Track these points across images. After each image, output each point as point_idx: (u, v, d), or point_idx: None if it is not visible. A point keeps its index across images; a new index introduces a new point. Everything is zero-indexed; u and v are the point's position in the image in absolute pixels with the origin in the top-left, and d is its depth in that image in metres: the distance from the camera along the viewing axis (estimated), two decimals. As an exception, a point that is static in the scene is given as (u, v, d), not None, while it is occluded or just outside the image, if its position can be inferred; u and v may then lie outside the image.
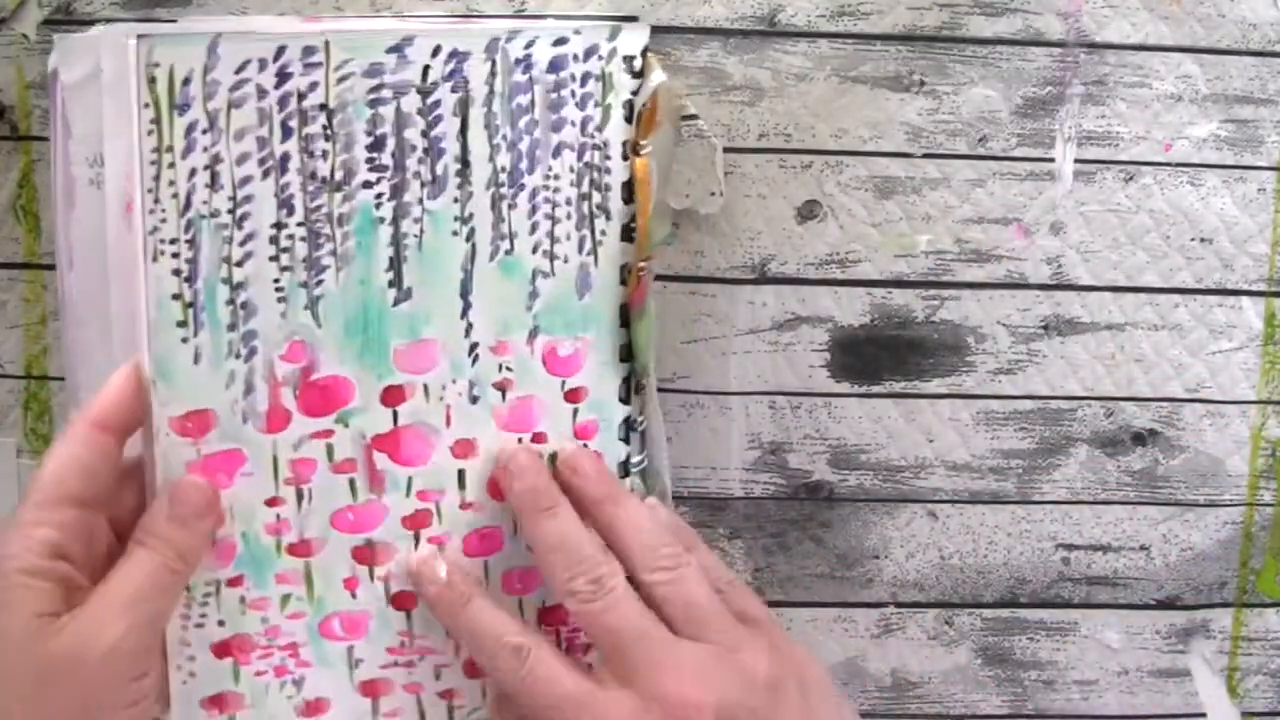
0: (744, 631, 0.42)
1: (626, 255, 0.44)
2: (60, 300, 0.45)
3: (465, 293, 0.43)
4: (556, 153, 0.43)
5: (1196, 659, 0.55)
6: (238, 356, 0.41)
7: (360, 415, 0.43)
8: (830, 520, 0.53)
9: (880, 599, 0.54)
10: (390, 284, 0.42)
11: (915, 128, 0.51)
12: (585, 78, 0.42)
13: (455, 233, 0.42)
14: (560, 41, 0.42)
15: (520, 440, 0.44)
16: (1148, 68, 0.51)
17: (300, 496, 0.43)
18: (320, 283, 0.42)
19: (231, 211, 0.41)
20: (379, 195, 0.42)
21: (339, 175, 0.41)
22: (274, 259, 0.41)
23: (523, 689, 0.40)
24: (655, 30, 0.49)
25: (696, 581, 0.42)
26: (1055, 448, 0.53)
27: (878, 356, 0.52)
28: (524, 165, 0.42)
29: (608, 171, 0.43)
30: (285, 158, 0.41)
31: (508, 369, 0.43)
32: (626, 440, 0.45)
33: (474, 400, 0.43)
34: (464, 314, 0.43)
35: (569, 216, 0.43)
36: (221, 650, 0.43)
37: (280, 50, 0.40)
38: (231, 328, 0.41)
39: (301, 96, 0.41)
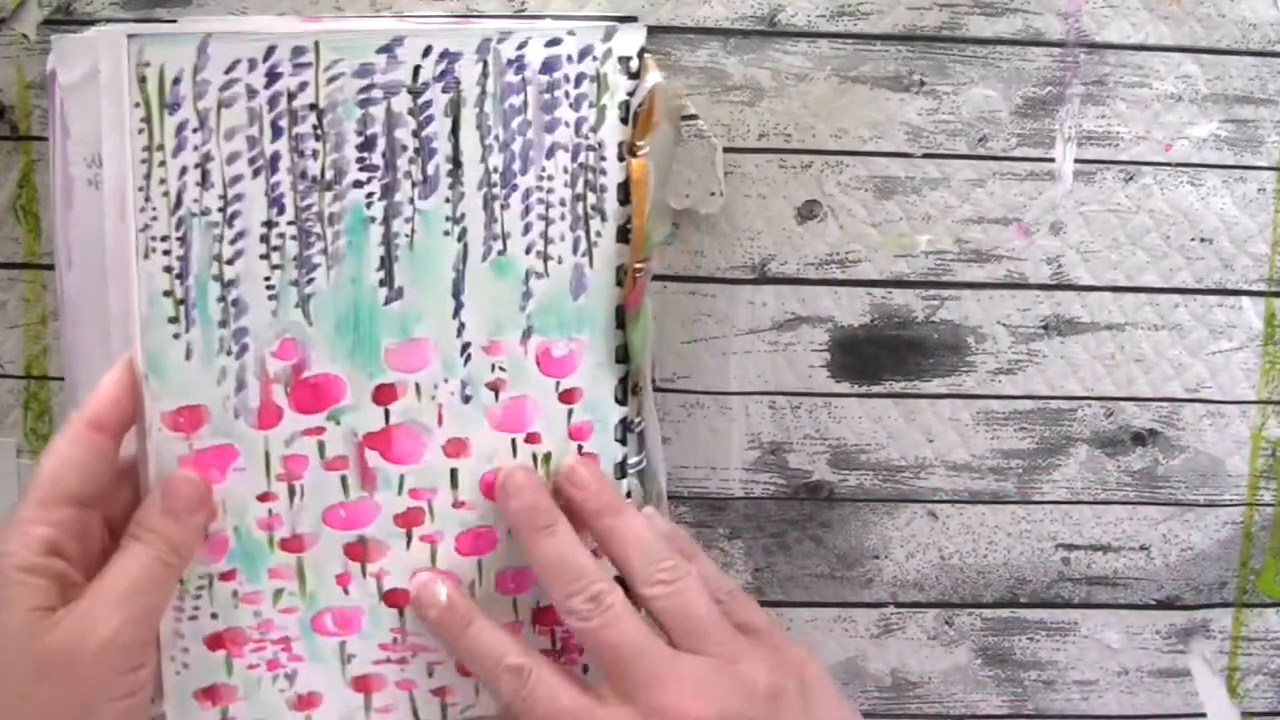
0: (744, 642, 0.42)
1: (622, 256, 0.43)
2: (59, 300, 0.45)
3: (457, 292, 0.43)
4: (550, 153, 0.42)
5: (1196, 659, 0.55)
6: (229, 353, 0.42)
7: (352, 413, 0.43)
8: (830, 520, 0.53)
9: (880, 599, 0.54)
10: (381, 283, 0.42)
11: (915, 128, 0.50)
12: (579, 78, 0.42)
13: (447, 233, 0.42)
14: (554, 42, 0.42)
15: (514, 440, 0.44)
16: (1148, 68, 0.51)
17: (292, 492, 0.43)
18: (311, 281, 0.42)
19: (222, 210, 0.41)
20: (370, 195, 0.42)
21: (329, 175, 0.41)
22: (265, 257, 0.41)
23: (524, 709, 0.40)
24: (655, 30, 0.48)
25: (696, 593, 0.42)
26: (1055, 448, 0.53)
27: (878, 356, 0.52)
28: (517, 166, 0.42)
29: (603, 173, 0.43)
30: (275, 157, 0.41)
31: (501, 369, 0.43)
32: (623, 441, 0.45)
33: (466, 400, 0.43)
34: (456, 314, 0.43)
35: (563, 217, 0.43)
36: (214, 642, 0.43)
37: (270, 50, 0.40)
38: (223, 324, 0.41)
39: (291, 96, 0.41)
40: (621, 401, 0.44)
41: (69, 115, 0.42)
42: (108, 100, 0.40)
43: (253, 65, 0.40)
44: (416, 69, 0.41)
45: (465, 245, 0.42)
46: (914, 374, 0.52)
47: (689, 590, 0.41)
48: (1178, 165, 0.51)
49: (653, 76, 0.42)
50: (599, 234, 0.43)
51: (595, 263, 0.43)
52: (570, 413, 0.44)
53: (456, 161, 0.42)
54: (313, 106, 0.41)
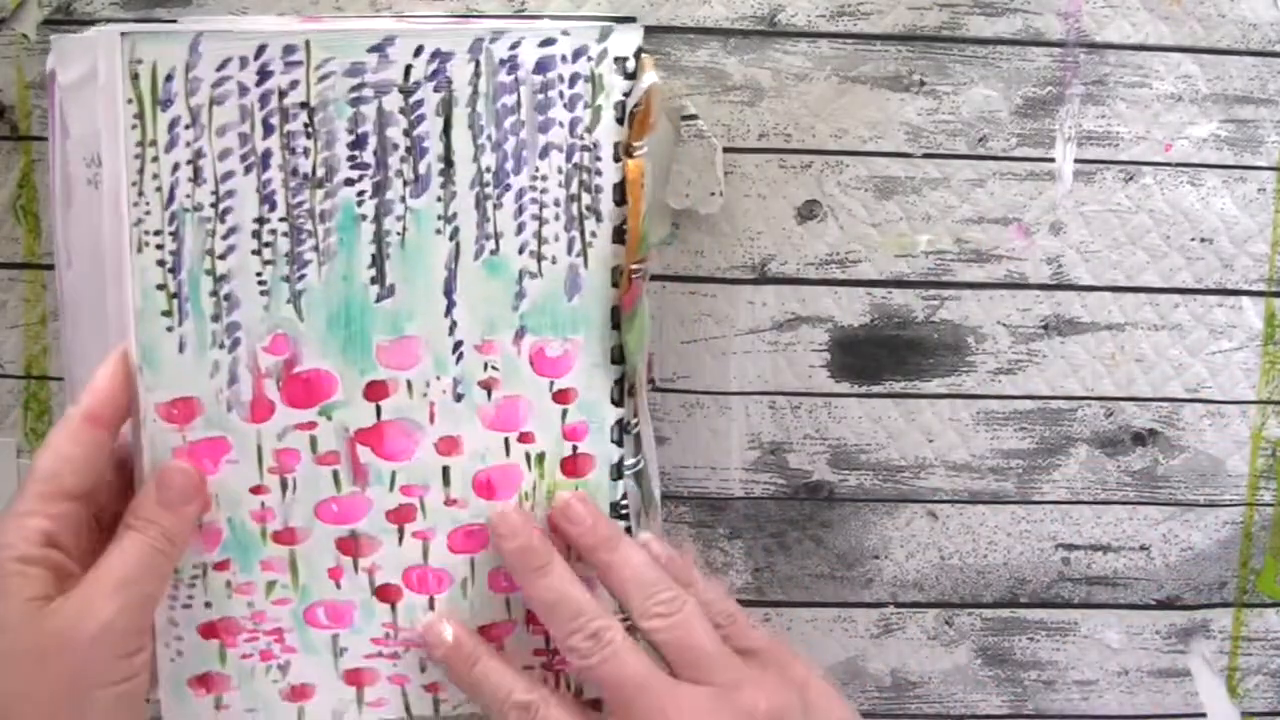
0: (746, 668, 0.42)
1: (618, 257, 0.43)
2: (59, 299, 0.45)
3: (449, 291, 0.42)
4: (544, 154, 0.42)
5: (1196, 659, 0.54)
6: (221, 347, 0.42)
7: (343, 408, 0.43)
8: (830, 520, 0.52)
9: (880, 599, 0.53)
10: (373, 280, 0.42)
11: (915, 128, 0.50)
12: (574, 79, 0.42)
13: (439, 231, 0.42)
14: (548, 42, 0.42)
15: (507, 440, 0.43)
16: (1148, 68, 0.50)
17: (284, 486, 0.43)
18: (303, 277, 0.42)
19: (214, 205, 0.41)
20: (361, 193, 0.42)
21: (321, 172, 0.41)
22: (256, 253, 0.41)
23: None
24: (655, 30, 0.48)
25: (695, 624, 0.42)
26: (1055, 448, 0.52)
27: (878, 356, 0.51)
28: (510, 166, 0.42)
29: (598, 173, 0.43)
30: (267, 154, 0.41)
31: (493, 368, 0.43)
32: (619, 443, 0.44)
33: (458, 398, 0.43)
34: (448, 312, 0.43)
35: (557, 218, 0.43)
36: (208, 631, 0.43)
37: (261, 49, 0.40)
38: (215, 318, 0.42)
39: (282, 94, 0.41)
40: (617, 403, 0.44)
41: (68, 115, 0.42)
42: (105, 99, 0.40)
43: (244, 63, 0.40)
44: (408, 68, 0.41)
45: (457, 244, 0.42)
46: (914, 374, 0.52)
47: (688, 621, 0.42)
48: (1178, 165, 0.51)
49: (649, 77, 0.42)
50: (594, 234, 0.43)
51: (590, 263, 0.43)
52: (565, 413, 0.44)
53: (448, 160, 0.42)
54: (304, 104, 0.41)
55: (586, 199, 0.43)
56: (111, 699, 0.38)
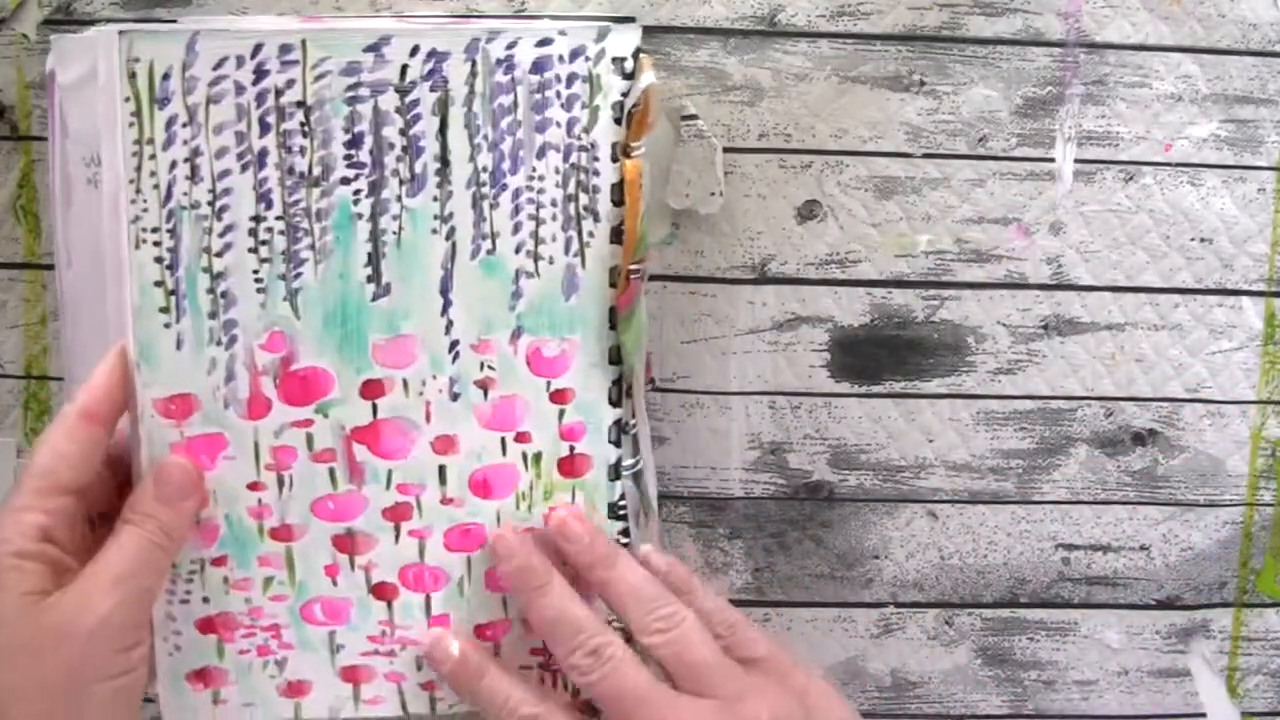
0: (747, 679, 0.42)
1: (616, 257, 0.43)
2: (59, 299, 0.45)
3: (445, 290, 0.42)
4: (541, 153, 0.42)
5: (1196, 659, 0.54)
6: (218, 344, 0.42)
7: (339, 406, 0.43)
8: (830, 520, 0.52)
9: (880, 599, 0.53)
10: (369, 279, 0.42)
11: (915, 128, 0.50)
12: (571, 79, 0.42)
13: (435, 230, 0.42)
14: (545, 42, 0.42)
15: (503, 439, 0.43)
16: (1148, 68, 0.50)
17: (281, 483, 0.43)
18: (299, 275, 0.42)
19: (211, 203, 0.41)
20: (357, 191, 0.42)
21: (317, 171, 0.41)
22: (253, 250, 0.42)
23: None
24: (655, 30, 0.48)
25: (694, 636, 0.42)
26: (1055, 448, 0.52)
27: (878, 356, 0.51)
28: (506, 165, 0.42)
29: (596, 173, 0.42)
30: (263, 153, 0.41)
31: (490, 368, 0.43)
32: (617, 444, 0.44)
33: (455, 397, 0.43)
34: (444, 311, 0.43)
35: (554, 218, 0.42)
36: (206, 626, 0.44)
37: (257, 48, 0.41)
38: (212, 315, 0.42)
39: (279, 93, 0.41)
40: (615, 403, 0.44)
41: (68, 115, 0.42)
42: (104, 97, 0.41)
43: (240, 62, 0.41)
44: (404, 68, 0.41)
45: (453, 244, 0.42)
46: (914, 374, 0.51)
47: (687, 635, 0.42)
48: (1178, 165, 0.51)
49: (647, 77, 0.42)
50: (592, 234, 0.43)
51: (588, 263, 0.43)
52: (562, 413, 0.44)
53: (444, 160, 0.42)
54: (300, 103, 0.41)
55: (584, 199, 0.42)
56: (109, 693, 0.38)
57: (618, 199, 0.42)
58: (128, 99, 0.40)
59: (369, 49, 0.41)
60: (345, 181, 0.41)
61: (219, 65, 0.40)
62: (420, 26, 0.42)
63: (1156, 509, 0.53)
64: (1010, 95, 0.50)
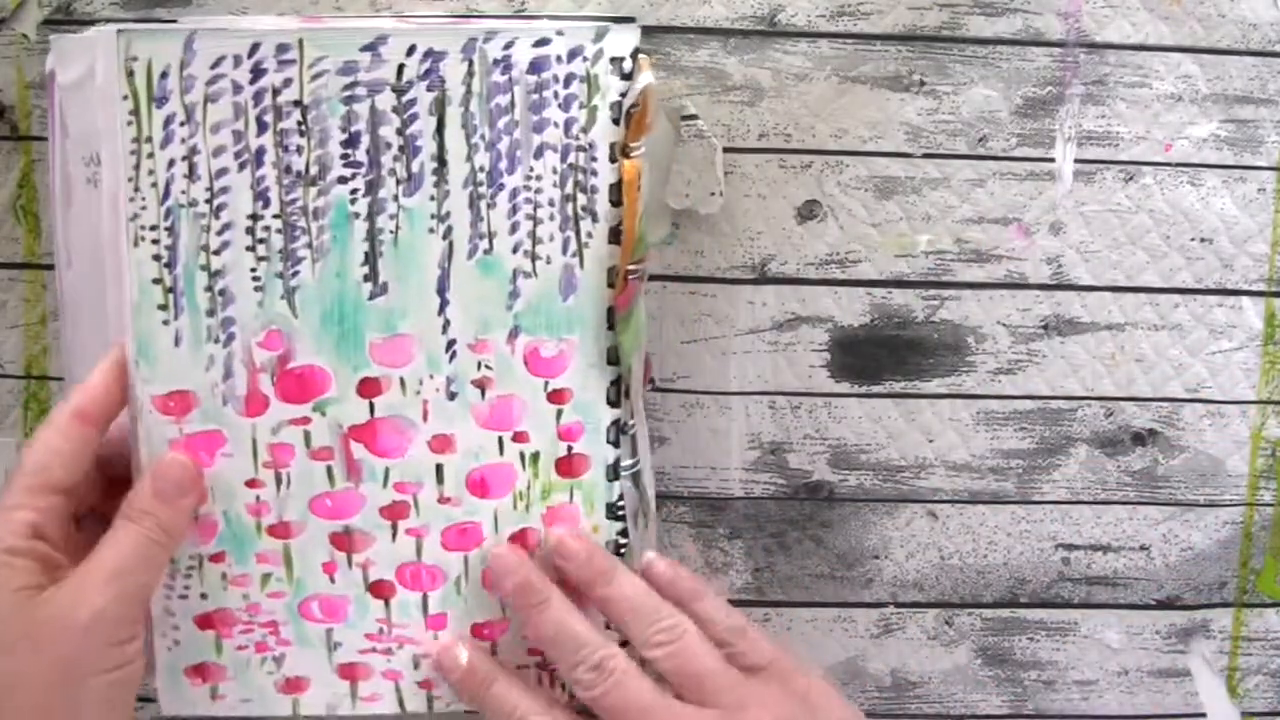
0: (749, 687, 0.42)
1: (614, 258, 0.43)
2: (59, 299, 0.45)
3: (442, 290, 0.42)
4: (538, 154, 0.42)
5: (1196, 659, 0.54)
6: (216, 341, 0.42)
7: (337, 405, 0.43)
8: (830, 520, 0.52)
9: (880, 599, 0.53)
10: (366, 278, 0.42)
11: (915, 128, 0.50)
12: (569, 79, 0.42)
13: (432, 230, 0.42)
14: (542, 42, 0.41)
15: (501, 439, 0.43)
16: (1148, 68, 0.50)
17: (279, 480, 0.43)
18: (296, 274, 0.42)
19: (209, 201, 0.41)
20: (354, 191, 0.42)
21: (314, 170, 0.41)
22: (250, 249, 0.42)
23: None
24: (655, 30, 0.48)
25: (696, 647, 0.42)
26: (1055, 448, 0.52)
27: (878, 356, 0.51)
28: (503, 165, 0.42)
29: (594, 174, 0.42)
30: (260, 151, 0.41)
31: (487, 367, 0.43)
32: (615, 444, 0.44)
33: (452, 396, 0.43)
34: (441, 310, 0.42)
35: (552, 218, 0.42)
36: (204, 622, 0.44)
37: (254, 47, 0.40)
38: (210, 313, 0.42)
39: (276, 92, 0.41)
40: (613, 403, 0.44)
41: (68, 115, 0.42)
42: (103, 97, 0.40)
43: (238, 61, 0.41)
44: (401, 67, 0.41)
45: (450, 243, 0.42)
46: (914, 374, 0.51)
47: (688, 646, 0.42)
48: (1178, 165, 0.51)
49: (645, 77, 0.41)
50: (590, 235, 0.42)
51: (586, 264, 0.43)
52: (559, 413, 0.44)
53: (441, 160, 0.42)
54: (297, 103, 0.41)
55: (582, 199, 0.42)
56: (104, 685, 0.38)
57: (616, 199, 0.42)
58: (126, 97, 0.40)
59: (365, 48, 0.41)
60: (342, 181, 0.41)
61: (216, 64, 0.40)
62: (418, 26, 0.42)
63: (1156, 509, 0.53)
64: (1010, 95, 0.50)
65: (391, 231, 0.42)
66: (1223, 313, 0.51)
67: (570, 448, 0.44)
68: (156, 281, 0.41)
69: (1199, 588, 0.54)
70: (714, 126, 0.49)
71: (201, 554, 0.43)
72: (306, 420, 0.43)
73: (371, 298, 0.42)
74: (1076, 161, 0.50)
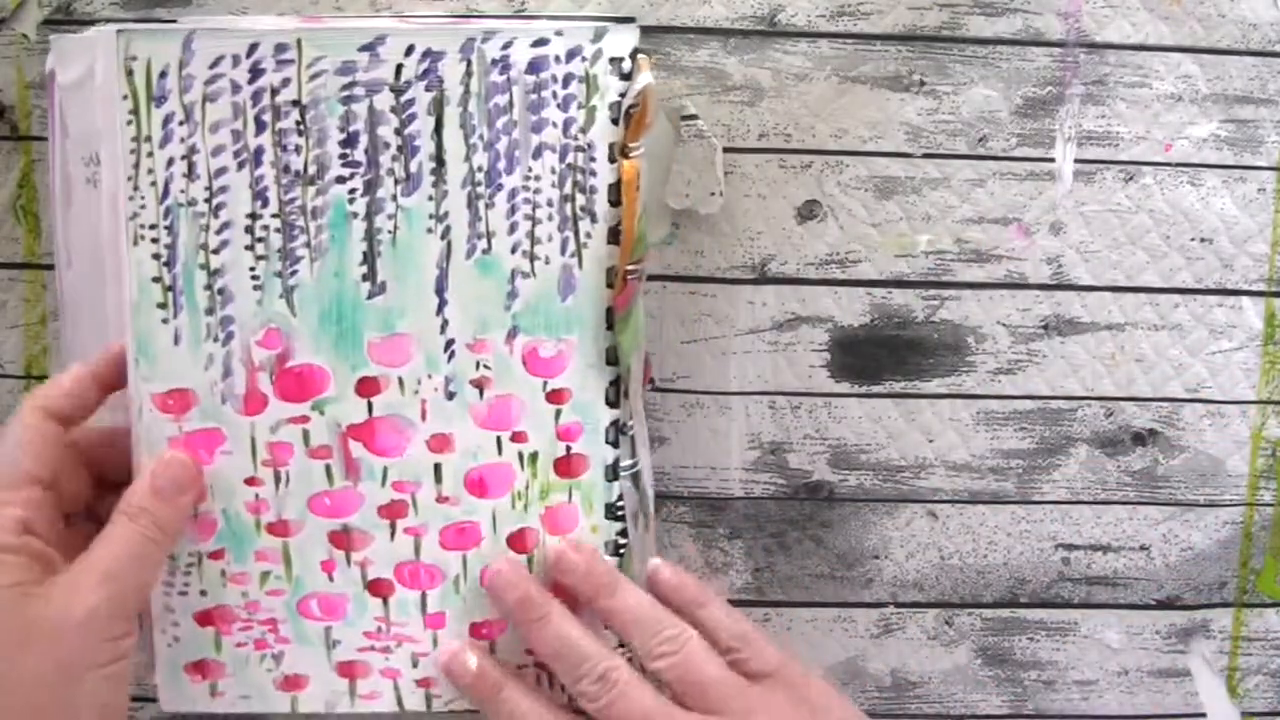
0: (754, 694, 0.42)
1: (613, 258, 0.43)
2: (59, 299, 0.45)
3: (440, 289, 0.42)
4: (537, 154, 0.42)
5: (1196, 659, 0.54)
6: (215, 340, 0.42)
7: (335, 404, 0.43)
8: (830, 520, 0.52)
9: (880, 599, 0.53)
10: (364, 278, 0.42)
11: (915, 128, 0.50)
12: (568, 79, 0.41)
13: (430, 230, 0.42)
14: (540, 43, 0.41)
15: (499, 438, 0.43)
16: (1148, 68, 0.50)
17: (278, 478, 0.43)
18: (295, 273, 0.42)
19: (208, 200, 0.41)
20: (352, 190, 0.42)
21: (312, 169, 0.41)
22: (249, 248, 0.42)
23: None
24: (655, 30, 0.48)
25: (699, 657, 0.42)
26: (1055, 448, 0.52)
27: (878, 356, 0.51)
28: (502, 165, 0.42)
29: (592, 174, 0.42)
30: (259, 151, 0.41)
31: (485, 367, 0.43)
32: (615, 444, 0.44)
33: (450, 396, 0.43)
34: (439, 310, 0.42)
35: (550, 218, 0.42)
36: (204, 619, 0.44)
37: (253, 47, 0.41)
38: (209, 312, 0.42)
39: (274, 92, 0.41)
40: (612, 404, 0.44)
41: (68, 115, 0.42)
42: (102, 97, 0.40)
43: (236, 61, 0.41)
44: (399, 67, 0.41)
45: (449, 243, 0.42)
46: (914, 374, 0.51)
47: (692, 657, 0.42)
48: (1178, 165, 0.50)
49: (644, 77, 0.41)
50: (589, 235, 0.42)
51: (585, 264, 0.43)
52: (558, 413, 0.43)
53: (439, 160, 0.42)
54: (295, 102, 0.41)
55: (581, 199, 0.42)
56: (99, 680, 0.38)
57: (615, 199, 0.42)
58: (125, 97, 0.40)
59: (364, 48, 0.41)
60: (340, 180, 0.41)
61: (215, 64, 0.40)
62: (416, 26, 0.42)
63: (1156, 509, 0.53)
64: (1010, 95, 0.50)
65: (390, 231, 0.42)
66: (1223, 313, 0.51)
67: (569, 448, 0.44)
68: (156, 280, 0.41)
69: (1199, 588, 0.53)
70: (714, 126, 0.49)
71: (201, 551, 0.43)
72: (305, 419, 0.43)
73: (370, 297, 0.42)
74: (1076, 161, 0.50)
